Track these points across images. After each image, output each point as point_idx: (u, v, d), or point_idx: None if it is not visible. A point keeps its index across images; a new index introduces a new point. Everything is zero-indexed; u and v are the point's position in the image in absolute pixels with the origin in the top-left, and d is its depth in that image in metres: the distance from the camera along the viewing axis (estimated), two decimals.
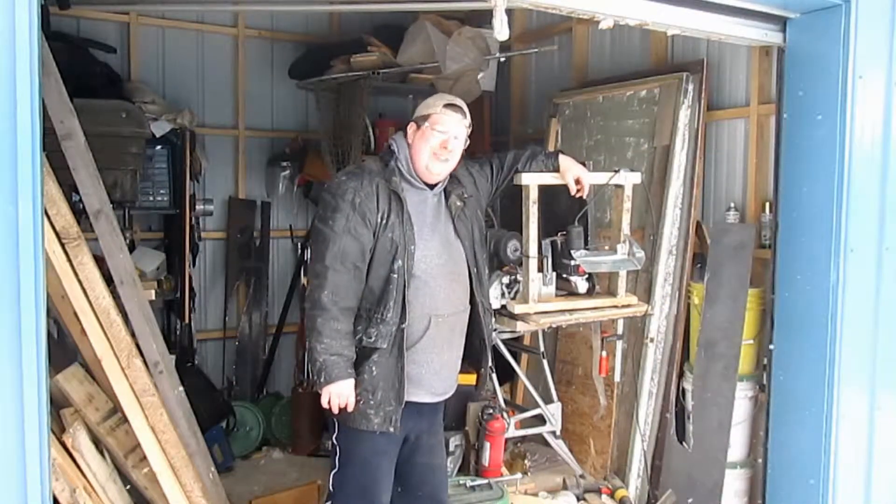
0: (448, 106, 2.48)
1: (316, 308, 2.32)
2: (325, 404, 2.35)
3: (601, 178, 3.08)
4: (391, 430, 2.39)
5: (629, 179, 3.06)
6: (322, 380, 2.31)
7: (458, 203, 2.55)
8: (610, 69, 4.28)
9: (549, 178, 2.93)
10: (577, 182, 2.85)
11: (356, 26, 4.72)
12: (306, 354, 2.39)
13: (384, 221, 2.37)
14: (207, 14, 4.69)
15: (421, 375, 2.44)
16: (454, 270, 2.50)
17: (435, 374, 2.48)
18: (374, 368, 2.37)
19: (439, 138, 2.44)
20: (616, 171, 3.04)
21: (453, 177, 2.59)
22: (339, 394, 2.32)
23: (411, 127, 2.50)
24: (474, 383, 2.82)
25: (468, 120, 2.53)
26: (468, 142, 2.54)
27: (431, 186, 2.51)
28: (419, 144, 2.45)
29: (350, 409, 2.35)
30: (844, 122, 2.80)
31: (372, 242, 2.36)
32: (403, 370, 2.38)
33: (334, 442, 2.50)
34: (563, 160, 2.90)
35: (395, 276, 2.36)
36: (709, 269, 3.47)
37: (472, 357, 2.65)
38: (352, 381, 2.34)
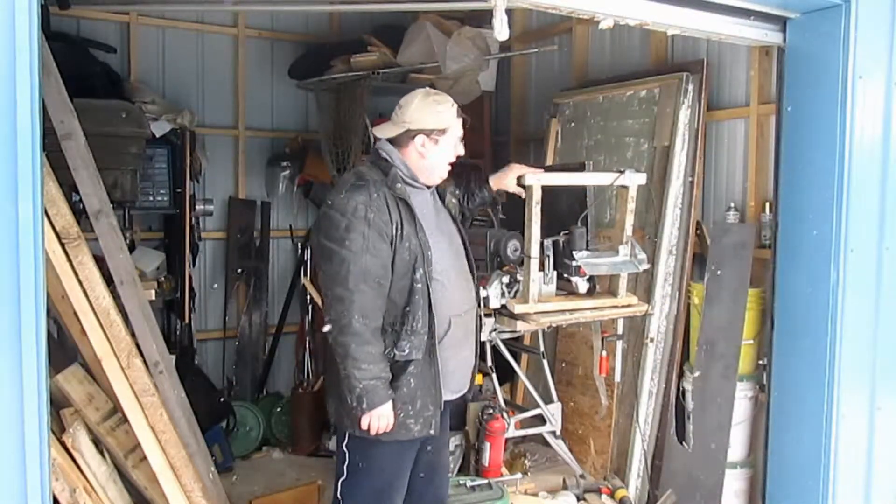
0: (459, 115, 2.46)
1: (346, 334, 2.23)
2: (364, 427, 2.30)
3: (606, 178, 3.07)
4: (431, 432, 2.38)
5: (634, 180, 3.04)
6: (364, 406, 2.25)
7: (454, 201, 2.57)
8: (610, 69, 4.28)
9: (551, 179, 2.93)
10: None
11: (356, 26, 4.72)
12: (342, 382, 2.29)
13: (399, 232, 2.30)
14: (207, 14, 4.69)
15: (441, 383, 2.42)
16: (462, 268, 2.50)
17: (451, 373, 2.45)
18: (412, 381, 2.33)
19: (458, 146, 2.45)
20: (621, 172, 3.03)
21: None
22: (380, 416, 2.28)
23: (420, 138, 2.39)
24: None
25: None
26: None
27: (428, 185, 2.50)
28: (437, 157, 2.42)
29: (390, 428, 2.32)
30: (844, 122, 2.80)
31: (391, 256, 2.30)
32: (439, 374, 2.36)
33: (343, 449, 2.44)
34: (492, 179, 2.85)
35: (419, 284, 2.31)
36: (709, 269, 3.47)
37: None
38: (391, 402, 2.30)
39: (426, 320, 2.32)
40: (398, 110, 2.44)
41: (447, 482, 2.76)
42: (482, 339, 3.03)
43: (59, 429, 2.42)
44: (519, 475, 3.60)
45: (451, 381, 2.48)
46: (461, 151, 2.50)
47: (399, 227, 2.30)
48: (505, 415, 3.52)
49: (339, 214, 2.28)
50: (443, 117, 2.41)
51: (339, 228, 2.26)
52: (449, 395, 2.49)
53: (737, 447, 3.41)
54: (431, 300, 2.33)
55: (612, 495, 3.54)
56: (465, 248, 2.55)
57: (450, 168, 2.49)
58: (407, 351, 2.31)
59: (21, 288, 1.72)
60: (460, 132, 2.46)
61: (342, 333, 2.24)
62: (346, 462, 2.44)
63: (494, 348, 3.47)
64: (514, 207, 3.04)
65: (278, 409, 4.57)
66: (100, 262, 2.57)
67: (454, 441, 3.59)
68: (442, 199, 2.57)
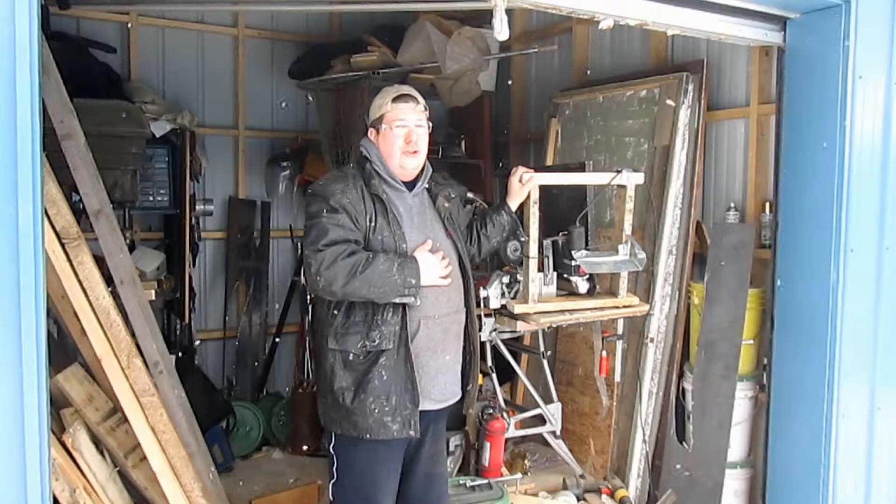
0: (398, 99, 2.44)
1: (337, 277, 2.24)
2: (439, 277, 2.37)
3: (603, 178, 3.07)
4: (411, 433, 2.36)
5: (632, 180, 3.05)
6: (411, 279, 2.29)
7: (446, 204, 2.55)
8: (610, 69, 4.28)
9: (551, 179, 2.92)
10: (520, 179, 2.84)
11: (356, 26, 4.72)
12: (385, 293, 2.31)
13: (373, 224, 2.35)
14: (207, 14, 4.69)
15: (417, 381, 2.39)
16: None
17: (431, 379, 2.42)
18: (383, 373, 2.32)
19: (402, 133, 2.42)
20: (618, 172, 3.03)
21: (438, 180, 2.60)
22: (427, 267, 2.33)
23: (371, 132, 2.48)
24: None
25: (422, 105, 2.48)
26: (431, 125, 2.52)
27: (409, 186, 2.49)
28: (385, 147, 2.44)
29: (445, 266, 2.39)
30: (844, 122, 2.80)
31: (361, 237, 2.35)
32: (414, 370, 2.34)
33: (330, 451, 2.47)
34: (510, 201, 2.85)
35: None
36: (709, 269, 3.47)
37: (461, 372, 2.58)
38: (417, 256, 2.35)
39: (398, 312, 2.33)
40: None
41: (446, 493, 2.73)
42: (482, 340, 3.02)
43: (59, 429, 2.41)
44: (519, 475, 3.60)
45: (433, 389, 2.44)
46: (411, 147, 2.44)
47: (373, 218, 2.36)
48: (505, 415, 3.52)
49: (316, 196, 2.38)
50: (378, 105, 2.47)
51: (313, 206, 2.36)
52: (432, 405, 2.45)
53: (737, 447, 3.41)
54: None
55: (612, 495, 3.54)
56: (459, 254, 2.53)
57: (412, 154, 2.44)
58: (377, 341, 2.32)
59: (21, 288, 1.72)
60: (404, 119, 2.43)
61: (333, 282, 2.25)
62: (335, 465, 2.45)
63: (494, 348, 3.47)
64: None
65: (278, 409, 4.58)
66: (100, 262, 2.57)
67: (454, 441, 3.59)
68: (434, 201, 2.56)
